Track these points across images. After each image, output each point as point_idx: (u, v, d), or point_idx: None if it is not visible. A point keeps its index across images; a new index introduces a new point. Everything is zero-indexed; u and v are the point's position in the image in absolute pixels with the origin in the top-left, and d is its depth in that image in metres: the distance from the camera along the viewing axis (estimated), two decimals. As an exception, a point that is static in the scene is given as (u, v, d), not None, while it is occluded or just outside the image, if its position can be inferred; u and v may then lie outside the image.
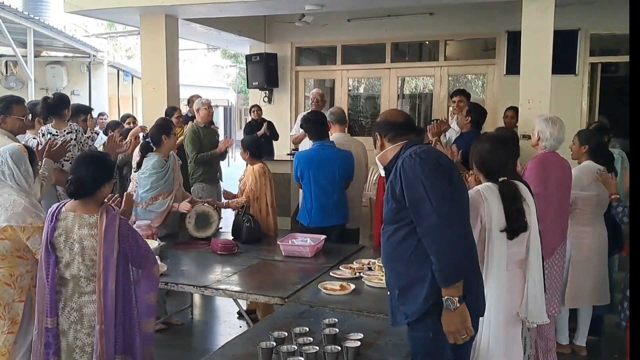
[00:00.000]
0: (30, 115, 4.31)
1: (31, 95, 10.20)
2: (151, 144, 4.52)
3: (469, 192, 2.57)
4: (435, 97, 9.29)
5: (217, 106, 24.29)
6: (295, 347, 2.40)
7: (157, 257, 3.48)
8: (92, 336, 2.75)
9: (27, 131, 4.58)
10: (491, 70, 8.81)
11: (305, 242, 4.11)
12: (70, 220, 2.76)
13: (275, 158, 8.02)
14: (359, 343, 2.43)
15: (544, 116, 4.04)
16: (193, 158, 5.93)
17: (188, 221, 4.56)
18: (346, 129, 5.36)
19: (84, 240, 2.72)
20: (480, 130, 4.99)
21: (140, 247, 2.85)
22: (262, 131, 8.11)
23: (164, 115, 6.38)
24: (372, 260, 3.77)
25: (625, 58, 7.52)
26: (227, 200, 4.92)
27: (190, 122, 6.43)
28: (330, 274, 3.61)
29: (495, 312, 2.61)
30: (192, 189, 5.91)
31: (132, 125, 6.38)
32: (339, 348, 2.38)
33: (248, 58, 9.83)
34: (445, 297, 2.21)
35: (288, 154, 8.25)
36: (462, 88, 6.89)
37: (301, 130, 6.68)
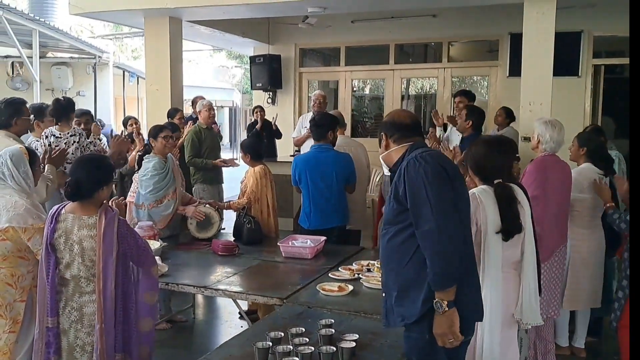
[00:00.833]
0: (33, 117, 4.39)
1: (37, 95, 10.25)
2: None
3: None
4: (439, 98, 9.26)
5: (221, 107, 24.36)
6: (291, 348, 2.43)
7: (158, 257, 3.53)
8: (92, 335, 2.79)
9: (29, 133, 4.63)
10: (494, 72, 8.80)
11: (305, 244, 4.12)
12: (69, 221, 2.79)
13: (278, 159, 8.05)
14: (354, 344, 2.45)
15: (544, 119, 4.05)
16: (189, 160, 5.98)
17: (190, 222, 4.61)
18: (345, 131, 5.37)
19: (83, 241, 2.76)
20: (481, 131, 5.01)
21: (139, 246, 2.89)
22: (259, 124, 8.09)
23: (166, 117, 6.44)
24: (372, 262, 3.80)
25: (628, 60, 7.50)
26: (228, 201, 4.94)
27: (190, 122, 6.47)
28: (330, 275, 3.63)
29: (490, 314, 2.62)
30: (193, 189, 5.95)
31: (134, 127, 6.42)
32: (334, 349, 2.40)
33: (252, 59, 9.85)
34: (436, 300, 2.23)
35: (291, 155, 8.26)
36: (467, 89, 6.88)
37: (302, 132, 6.73)
